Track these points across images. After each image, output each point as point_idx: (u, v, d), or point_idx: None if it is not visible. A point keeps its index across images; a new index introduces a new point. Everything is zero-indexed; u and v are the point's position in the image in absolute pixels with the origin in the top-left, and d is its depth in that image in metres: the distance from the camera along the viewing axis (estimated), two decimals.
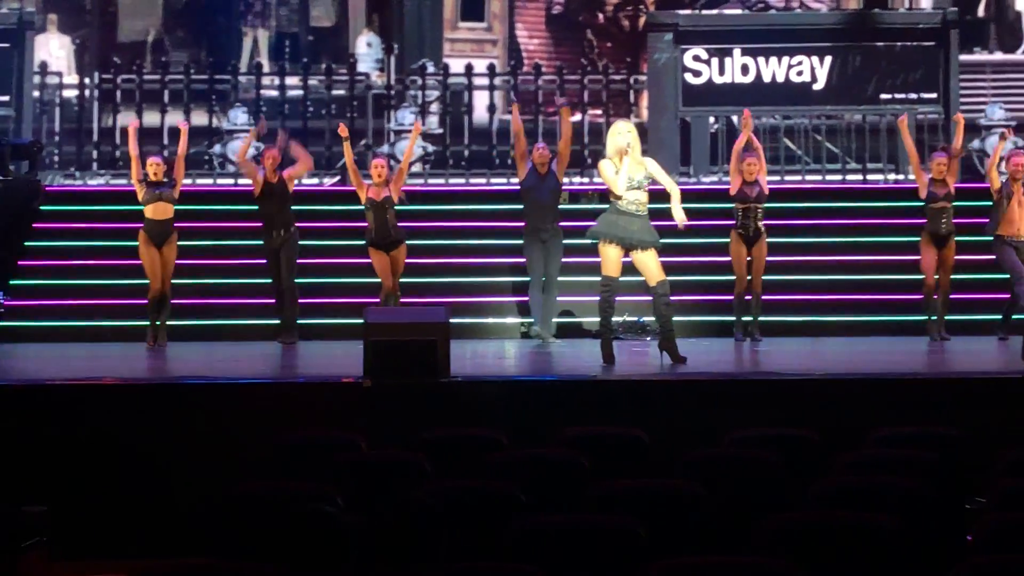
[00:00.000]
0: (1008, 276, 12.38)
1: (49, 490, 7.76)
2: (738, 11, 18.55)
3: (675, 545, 5.00)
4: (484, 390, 9.90)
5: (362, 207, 12.61)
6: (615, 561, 4.88)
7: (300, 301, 12.92)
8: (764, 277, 12.75)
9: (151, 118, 17.15)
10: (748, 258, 12.42)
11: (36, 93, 17.64)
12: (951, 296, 12.62)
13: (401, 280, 12.66)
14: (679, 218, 10.52)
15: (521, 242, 12.88)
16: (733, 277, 12.63)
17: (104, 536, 8.14)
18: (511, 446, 7.07)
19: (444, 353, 9.75)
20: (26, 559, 6.63)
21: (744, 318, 12.56)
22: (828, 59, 16.30)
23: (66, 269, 14.02)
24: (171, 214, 12.28)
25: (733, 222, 12.48)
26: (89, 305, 13.46)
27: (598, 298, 10.84)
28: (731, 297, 12.70)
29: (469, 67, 17.99)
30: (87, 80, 17.92)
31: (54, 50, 18.27)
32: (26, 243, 14.42)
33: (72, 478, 8.69)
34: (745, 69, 16.37)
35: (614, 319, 11.05)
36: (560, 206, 12.88)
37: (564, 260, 12.67)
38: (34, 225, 14.66)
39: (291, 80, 17.87)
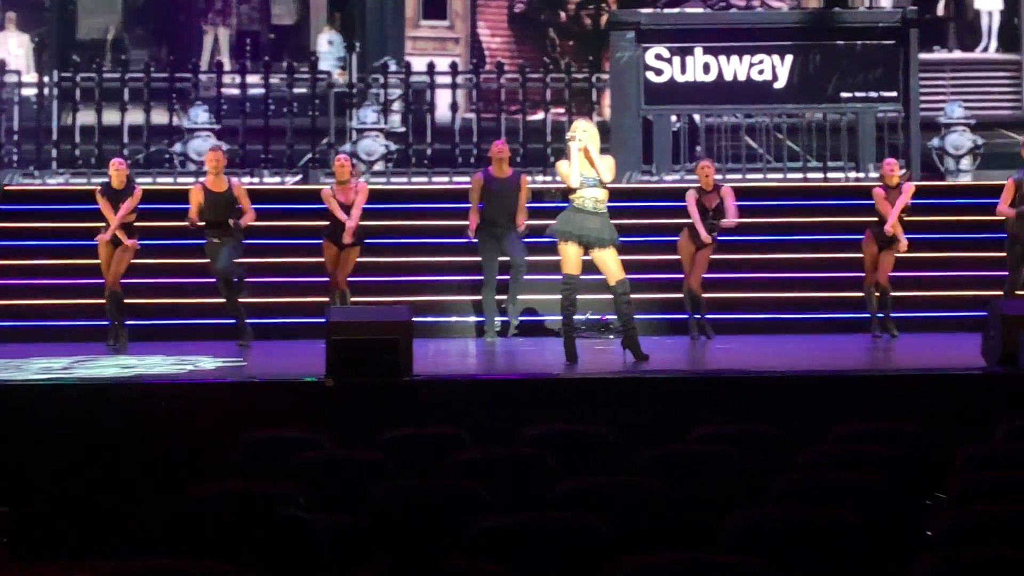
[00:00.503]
0: None
1: (9, 491, 7.71)
2: (700, 10, 18.60)
3: (639, 543, 5.01)
4: (446, 389, 9.91)
5: (323, 205, 12.66)
6: (579, 559, 4.88)
7: (264, 300, 12.95)
8: (723, 275, 12.84)
9: (111, 116, 17.11)
10: (695, 256, 12.47)
11: None
12: (905, 293, 12.73)
13: (364, 279, 12.69)
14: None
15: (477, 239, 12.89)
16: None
17: (66, 537, 8.10)
18: (474, 445, 7.07)
19: (406, 352, 9.76)
20: None
21: (697, 316, 12.64)
22: (789, 58, 16.36)
23: (27, 269, 13.94)
24: (132, 218, 12.32)
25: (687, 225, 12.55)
26: (49, 304, 13.39)
27: (560, 296, 10.87)
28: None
29: (431, 65, 17.97)
30: (46, 78, 17.81)
31: (12, 48, 18.20)
32: None
33: (33, 479, 8.65)
34: (707, 68, 16.41)
35: (576, 317, 11.06)
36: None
37: (527, 259, 12.68)
38: None
39: (252, 78, 17.81)
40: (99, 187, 12.36)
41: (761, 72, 16.39)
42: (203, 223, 12.02)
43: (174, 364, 11.08)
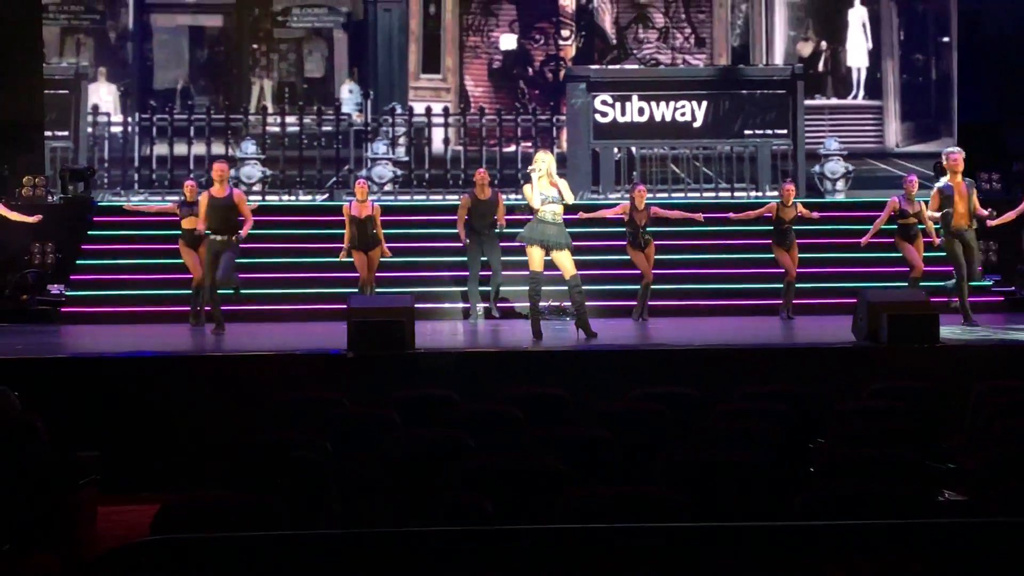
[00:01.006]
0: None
1: (100, 439, 7.69)
2: (636, 66, 18.63)
3: (589, 478, 5.02)
4: (441, 359, 9.90)
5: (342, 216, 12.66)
6: (543, 491, 4.88)
7: (300, 291, 12.88)
8: (657, 271, 12.85)
9: (180, 148, 17.16)
10: (644, 259, 12.50)
11: (89, 129, 17.54)
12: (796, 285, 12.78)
13: (377, 274, 12.68)
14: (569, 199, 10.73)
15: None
16: (629, 272, 12.76)
17: (143, 476, 8.09)
18: (462, 403, 7.07)
19: (410, 330, 9.73)
20: (81, 494, 6.58)
21: (630, 302, 12.67)
22: (704, 103, 16.41)
23: (113, 267, 13.91)
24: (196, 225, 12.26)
25: (627, 236, 12.56)
26: (132, 295, 13.37)
27: (528, 288, 10.89)
28: (633, 287, 12.80)
29: (428, 109, 17.99)
30: (129, 119, 17.83)
31: (103, 95, 18.12)
32: (82, 247, 14.32)
33: (118, 430, 8.64)
34: (641, 111, 16.46)
35: (541, 304, 11.07)
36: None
37: (503, 259, 12.69)
38: (88, 233, 14.57)
39: (290, 119, 17.81)
40: (206, 193, 11.66)
41: (683, 114, 16.46)
42: (208, 229, 11.28)
43: (231, 340, 11.05)
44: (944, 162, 11.60)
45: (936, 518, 4.52)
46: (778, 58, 18.81)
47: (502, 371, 9.21)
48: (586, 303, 10.82)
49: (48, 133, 16.82)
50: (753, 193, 16.30)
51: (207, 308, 11.70)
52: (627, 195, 13.20)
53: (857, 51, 19.09)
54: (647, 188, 13.15)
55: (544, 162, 10.63)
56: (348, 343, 9.57)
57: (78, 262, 14.08)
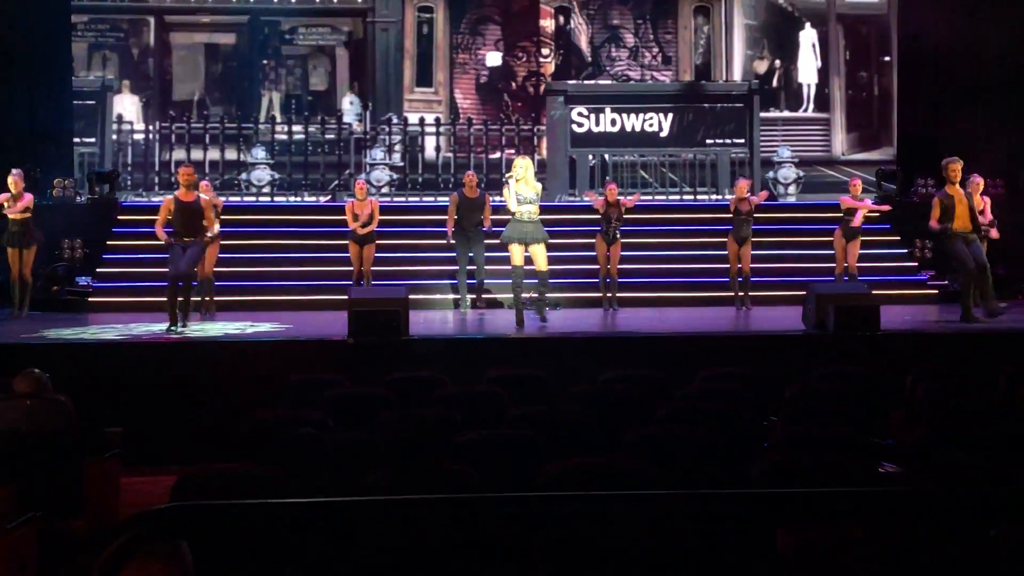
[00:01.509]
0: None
1: (123, 417, 7.66)
2: (608, 82, 18.63)
3: (564, 451, 5.02)
4: (432, 345, 9.90)
5: (344, 216, 12.64)
6: (524, 462, 4.89)
7: (308, 283, 12.86)
8: (624, 265, 12.86)
9: (196, 154, 17.06)
10: (608, 253, 12.50)
11: (114, 136, 17.49)
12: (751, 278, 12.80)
13: (373, 268, 12.67)
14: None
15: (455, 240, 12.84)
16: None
17: (162, 450, 8.07)
18: (451, 384, 7.07)
19: (404, 319, 9.74)
20: (106, 466, 6.56)
21: (607, 294, 12.66)
22: (670, 115, 16.42)
23: (135, 261, 13.82)
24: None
25: (601, 227, 12.55)
26: (153, 286, 13.25)
27: (510, 281, 10.91)
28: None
29: (422, 119, 17.98)
30: (151, 127, 17.78)
31: (127, 106, 18.07)
32: (108, 242, 14.25)
33: (139, 408, 8.62)
34: (613, 122, 16.46)
35: (522, 296, 11.08)
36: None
37: (487, 255, 12.67)
38: (113, 230, 14.50)
39: (296, 128, 17.76)
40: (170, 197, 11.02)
41: (651, 125, 16.46)
42: (172, 230, 10.54)
43: (238, 328, 11.03)
44: (944, 172, 10.99)
45: (876, 488, 4.54)
46: (736, 75, 18.84)
47: (486, 355, 9.19)
48: (548, 295, 10.97)
49: (77, 139, 16.73)
50: (713, 196, 16.31)
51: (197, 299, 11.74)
52: (602, 193, 13.17)
53: (807, 69, 19.15)
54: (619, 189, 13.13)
55: (521, 167, 10.73)
56: (348, 330, 9.57)
57: (104, 256, 14.01)
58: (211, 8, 18.94)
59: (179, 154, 17.17)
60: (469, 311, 12.57)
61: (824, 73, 19.10)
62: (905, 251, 14.57)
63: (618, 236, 12.48)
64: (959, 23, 16.05)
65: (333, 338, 9.79)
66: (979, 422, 5.78)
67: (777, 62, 19.22)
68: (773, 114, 18.63)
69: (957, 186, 10.91)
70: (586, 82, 18.43)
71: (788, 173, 17.12)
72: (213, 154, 17.30)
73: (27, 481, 5.77)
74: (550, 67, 19.26)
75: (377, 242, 12.72)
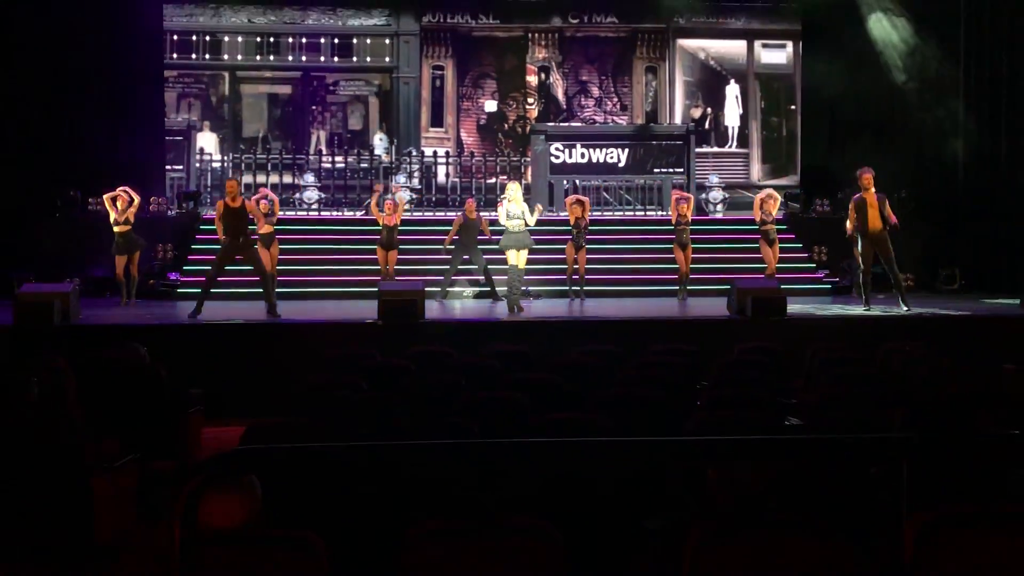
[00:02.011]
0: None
1: (204, 381, 7.67)
2: (579, 124, 18.61)
3: (543, 409, 5.04)
4: (443, 326, 9.91)
5: (378, 226, 12.58)
6: (513, 418, 4.91)
7: (346, 279, 12.82)
8: (591, 265, 12.88)
9: (260, 178, 16.98)
10: (576, 256, 12.46)
11: (197, 164, 17.37)
12: (691, 276, 12.81)
13: (397, 267, 12.65)
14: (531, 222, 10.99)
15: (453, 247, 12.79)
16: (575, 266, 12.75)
17: (234, 406, 8.07)
18: (457, 357, 7.09)
19: (421, 306, 9.75)
20: (190, 419, 6.56)
21: (574, 288, 12.61)
22: (626, 150, 16.38)
23: (213, 261, 13.74)
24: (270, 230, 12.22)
25: (571, 236, 12.55)
26: (227, 280, 13.21)
27: (506, 277, 10.91)
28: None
29: (435, 152, 17.96)
30: (225, 157, 17.68)
31: (207, 141, 17.99)
32: (192, 246, 14.19)
33: (217, 374, 8.62)
34: (583, 155, 16.40)
35: (516, 290, 11.10)
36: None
37: (487, 257, 12.65)
38: (196, 236, 14.44)
39: (338, 158, 17.69)
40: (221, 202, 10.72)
41: (612, 157, 16.41)
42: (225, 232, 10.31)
43: (296, 312, 11.01)
44: (858, 180, 10.37)
45: (783, 436, 4.56)
46: (677, 119, 18.84)
47: (486, 334, 9.23)
48: (542, 288, 10.94)
49: (168, 167, 16.67)
50: (660, 212, 16.33)
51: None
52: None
53: (732, 115, 19.15)
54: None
55: (512, 190, 10.83)
56: (378, 314, 9.58)
57: (189, 256, 13.96)
58: (272, 65, 18.87)
59: (247, 178, 17.09)
60: (448, 301, 12.58)
61: (744, 118, 19.10)
62: (806, 255, 14.61)
63: (583, 243, 12.49)
64: (847, 79, 16.12)
65: (366, 320, 9.80)
66: (861, 386, 5.81)
67: (708, 109, 19.22)
68: (705, 149, 18.63)
69: (871, 191, 10.30)
70: (562, 124, 18.40)
71: (716, 195, 17.12)
72: (273, 179, 17.23)
73: (129, 431, 5.77)
74: (534, 112, 19.22)
75: (399, 247, 12.70)
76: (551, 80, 19.28)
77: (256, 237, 11.06)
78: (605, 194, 16.64)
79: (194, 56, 18.44)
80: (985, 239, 14.63)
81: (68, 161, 14.77)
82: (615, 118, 19.14)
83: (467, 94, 19.24)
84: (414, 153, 17.99)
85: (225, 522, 2.66)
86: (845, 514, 3.51)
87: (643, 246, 14.44)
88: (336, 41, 18.79)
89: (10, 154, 14.36)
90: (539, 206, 12.38)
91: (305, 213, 16.57)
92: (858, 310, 10.78)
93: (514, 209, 10.75)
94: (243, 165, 17.35)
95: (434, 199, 17.40)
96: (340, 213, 16.72)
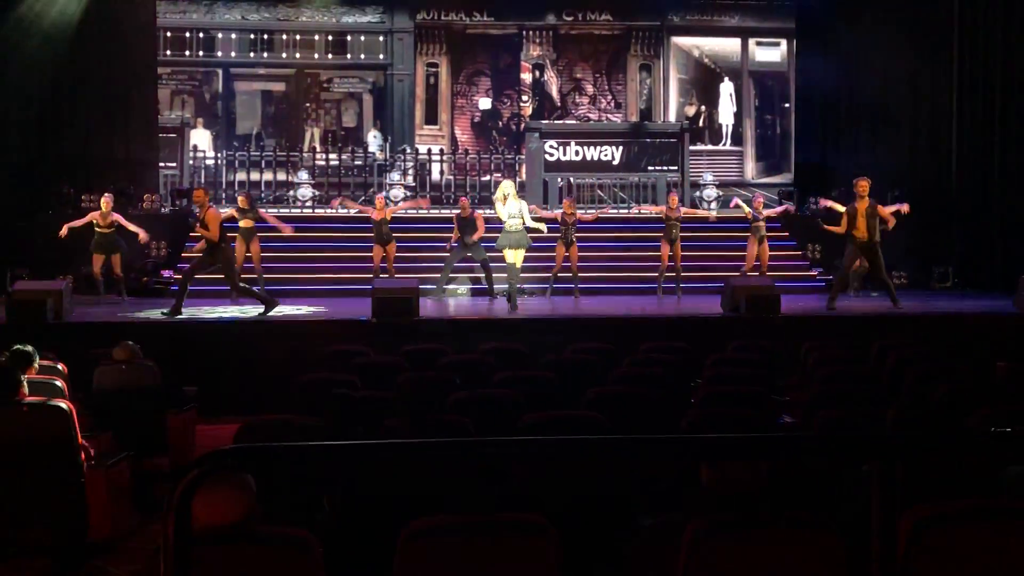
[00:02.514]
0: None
1: (198, 378, 7.66)
2: (573, 122, 18.61)
3: (538, 406, 5.05)
4: (437, 324, 9.91)
5: (370, 224, 12.57)
6: (507, 415, 4.92)
7: (340, 276, 12.78)
8: (584, 263, 12.87)
9: (254, 175, 16.97)
10: (566, 253, 12.44)
11: (191, 161, 17.29)
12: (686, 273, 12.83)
13: (394, 264, 12.64)
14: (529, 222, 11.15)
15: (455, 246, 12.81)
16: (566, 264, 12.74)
17: (227, 404, 8.06)
18: (452, 354, 7.09)
19: (415, 303, 9.75)
20: (184, 416, 6.55)
21: (555, 285, 12.58)
22: (620, 147, 16.38)
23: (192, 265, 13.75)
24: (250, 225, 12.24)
25: (560, 233, 12.55)
26: (217, 277, 13.23)
27: (505, 275, 10.92)
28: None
29: (429, 150, 17.93)
30: (219, 155, 17.61)
31: (200, 138, 17.92)
32: (185, 243, 14.15)
33: (211, 372, 8.61)
34: (577, 152, 16.40)
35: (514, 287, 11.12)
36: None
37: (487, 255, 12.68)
38: (189, 233, 14.39)
39: (332, 156, 17.67)
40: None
41: (606, 155, 16.42)
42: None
43: (289, 310, 11.00)
44: (854, 187, 10.37)
45: (776, 434, 4.57)
46: (671, 117, 18.85)
47: (479, 332, 9.23)
48: (537, 286, 10.95)
49: (162, 164, 16.60)
50: (654, 208, 16.33)
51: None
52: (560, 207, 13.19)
53: (726, 112, 19.16)
54: (577, 203, 13.13)
55: (505, 188, 10.86)
56: (372, 312, 9.57)
57: (182, 254, 13.93)
58: (266, 62, 18.82)
59: (241, 175, 17.06)
60: (446, 297, 12.58)
61: (738, 116, 19.11)
62: (800, 252, 14.64)
63: (574, 239, 12.49)
64: (840, 77, 16.16)
65: (360, 318, 9.79)
66: (855, 383, 5.83)
67: (703, 107, 19.22)
68: (699, 147, 18.65)
69: (866, 199, 10.30)
70: (556, 122, 18.39)
71: (710, 192, 17.14)
72: (267, 176, 17.20)
73: (123, 428, 5.76)
74: (528, 110, 19.21)
75: (396, 242, 12.66)
76: (545, 77, 19.28)
77: (234, 235, 11.09)
78: (600, 192, 16.65)
79: (188, 53, 18.39)
80: (978, 238, 14.68)
81: (61, 158, 14.74)
82: (609, 116, 19.15)
83: (461, 91, 19.22)
84: (408, 150, 17.96)
85: (219, 520, 2.66)
86: (838, 511, 3.53)
87: (636, 243, 14.43)
88: (330, 38, 18.76)
89: (2, 151, 14.32)
90: (594, 212, 12.83)
91: (299, 211, 16.53)
92: (856, 305, 10.83)
93: (511, 208, 10.80)
94: (236, 162, 17.32)
95: (428, 196, 17.38)
96: (333, 211, 16.69)
